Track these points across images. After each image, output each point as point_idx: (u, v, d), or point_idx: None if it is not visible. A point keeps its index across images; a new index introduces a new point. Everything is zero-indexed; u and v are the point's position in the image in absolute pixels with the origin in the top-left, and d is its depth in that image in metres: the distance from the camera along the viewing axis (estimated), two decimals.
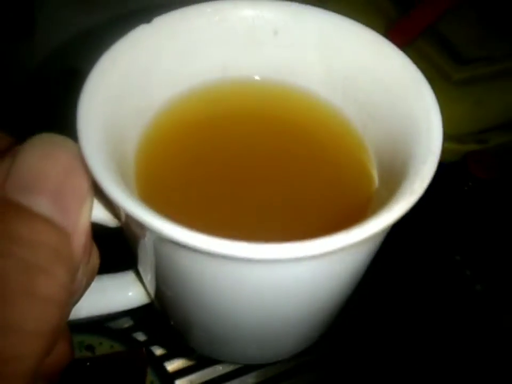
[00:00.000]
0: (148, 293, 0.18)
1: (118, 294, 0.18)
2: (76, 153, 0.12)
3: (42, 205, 0.11)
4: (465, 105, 0.37)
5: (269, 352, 0.19)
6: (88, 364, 0.26)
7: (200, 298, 0.14)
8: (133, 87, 0.15)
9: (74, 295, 0.14)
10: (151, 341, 0.29)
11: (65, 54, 0.38)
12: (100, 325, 0.28)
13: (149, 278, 0.17)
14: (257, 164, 0.16)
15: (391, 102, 0.15)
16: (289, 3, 0.17)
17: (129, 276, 0.19)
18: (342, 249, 0.10)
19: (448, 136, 0.35)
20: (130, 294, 0.19)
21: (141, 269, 0.17)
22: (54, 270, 0.11)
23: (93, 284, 0.15)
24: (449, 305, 0.33)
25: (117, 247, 0.16)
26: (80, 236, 0.12)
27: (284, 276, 0.12)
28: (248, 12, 0.17)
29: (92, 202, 0.13)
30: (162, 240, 0.12)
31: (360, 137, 0.16)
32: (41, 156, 0.12)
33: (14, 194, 0.11)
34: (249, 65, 0.17)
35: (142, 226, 0.12)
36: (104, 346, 0.27)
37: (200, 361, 0.30)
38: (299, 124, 0.17)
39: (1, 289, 0.10)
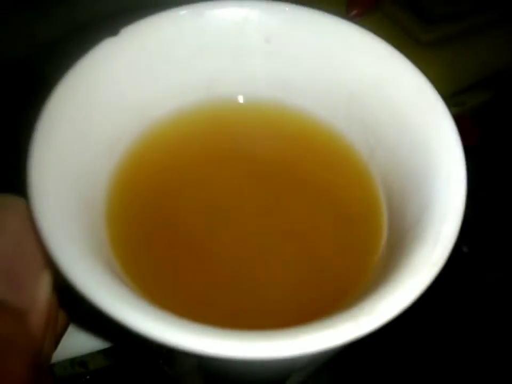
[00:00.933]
0: None
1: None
2: (27, 215, 0.10)
3: None
4: (438, 67, 0.36)
5: None
6: (83, 380, 0.25)
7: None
8: (98, 118, 0.12)
9: (44, 363, 0.12)
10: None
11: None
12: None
13: None
14: (244, 210, 0.13)
15: (404, 129, 0.13)
16: (283, 5, 0.14)
17: None
18: (350, 341, 0.09)
19: None
20: None
21: None
22: (8, 365, 0.09)
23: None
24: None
25: None
26: (40, 311, 0.10)
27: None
28: (235, 16, 0.14)
29: (52, 271, 0.11)
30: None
31: (367, 168, 0.14)
32: None
33: None
34: (236, 81, 0.15)
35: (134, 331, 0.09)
36: (98, 360, 0.26)
37: None
38: (295, 155, 0.15)
39: None
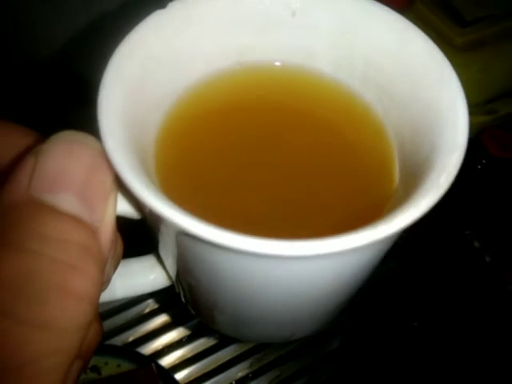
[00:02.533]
0: (169, 276, 0.19)
1: (142, 277, 0.19)
2: (98, 149, 0.12)
3: (68, 202, 0.11)
4: (471, 72, 0.35)
5: (286, 332, 0.19)
6: None
7: (220, 286, 0.14)
8: (150, 77, 0.14)
9: (103, 286, 0.14)
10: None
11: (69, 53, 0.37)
12: (102, 344, 0.26)
13: (169, 263, 0.17)
14: (276, 153, 0.16)
15: (414, 88, 0.15)
16: None
17: (151, 260, 0.19)
18: (369, 245, 0.11)
19: None
20: (152, 277, 0.19)
21: (162, 254, 0.17)
22: (85, 267, 0.11)
23: (120, 268, 0.16)
24: (461, 275, 0.34)
25: (136, 231, 0.16)
26: (107, 230, 0.12)
27: (305, 271, 0.12)
28: None
29: (116, 196, 0.13)
30: (184, 234, 0.12)
31: (382, 124, 0.16)
32: (64, 154, 0.12)
33: (41, 194, 0.11)
34: (266, 49, 0.17)
35: (164, 221, 0.12)
36: (111, 366, 0.26)
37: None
38: (318, 112, 0.17)
39: (37, 288, 0.10)
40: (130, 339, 0.29)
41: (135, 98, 0.14)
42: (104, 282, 0.14)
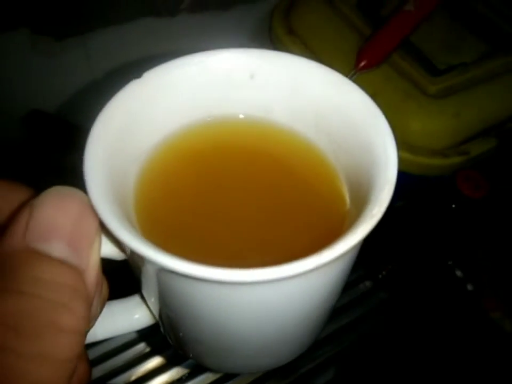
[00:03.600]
0: (153, 315, 0.20)
1: (126, 317, 0.20)
2: (84, 200, 0.14)
3: (59, 249, 0.13)
4: (445, 118, 0.37)
5: (268, 361, 0.21)
6: None
7: (198, 318, 0.16)
8: (129, 135, 0.17)
9: (91, 323, 0.15)
10: None
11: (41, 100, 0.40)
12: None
13: (152, 301, 0.19)
14: (243, 193, 0.18)
15: (355, 135, 0.17)
16: (262, 50, 0.19)
17: (135, 300, 0.21)
18: (317, 269, 0.13)
19: (432, 151, 0.36)
20: (136, 316, 0.21)
21: (145, 293, 0.19)
22: (74, 306, 0.13)
23: (106, 308, 0.17)
24: (443, 302, 0.35)
25: (121, 275, 0.18)
26: (92, 271, 0.14)
27: (270, 295, 0.14)
28: (226, 60, 0.19)
29: (100, 241, 0.15)
30: (164, 271, 0.14)
31: (333, 166, 0.18)
32: (54, 206, 0.14)
33: (35, 243, 0.13)
34: (231, 105, 0.19)
35: (146, 260, 0.14)
36: None
37: None
38: (278, 157, 0.19)
39: (33, 326, 0.12)
40: (133, 379, 0.30)
41: (116, 153, 0.16)
42: (91, 320, 0.15)
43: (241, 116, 0.20)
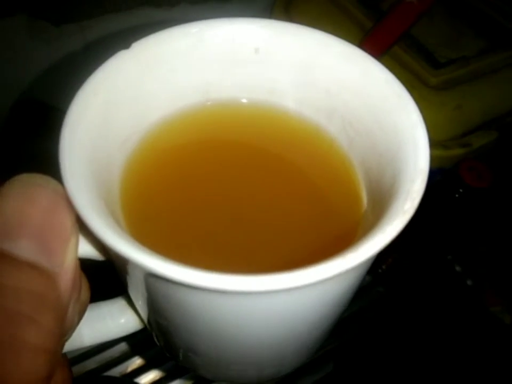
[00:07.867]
0: (141, 319, 0.18)
1: (111, 321, 0.18)
2: (56, 191, 0.12)
3: (25, 249, 0.11)
4: (446, 110, 0.37)
5: (265, 371, 0.19)
6: None
7: (194, 328, 0.14)
8: (113, 116, 0.14)
9: (66, 334, 0.13)
10: None
11: (35, 87, 0.38)
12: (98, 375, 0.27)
13: (139, 305, 0.16)
14: (245, 186, 0.16)
15: (376, 117, 0.15)
16: (269, 20, 0.17)
17: (120, 302, 0.18)
18: (339, 275, 0.10)
19: (433, 143, 0.36)
20: (122, 320, 0.19)
21: (132, 296, 0.17)
22: (40, 318, 0.11)
23: (88, 313, 0.15)
24: (443, 297, 0.35)
25: (105, 274, 0.16)
26: (67, 274, 0.12)
27: (279, 305, 0.12)
28: (227, 30, 0.16)
29: (78, 239, 0.12)
30: (154, 276, 0.11)
31: (347, 155, 0.16)
32: (21, 198, 0.11)
33: None
34: (231, 86, 0.17)
35: (132, 264, 0.11)
36: None
37: None
38: (285, 146, 0.17)
39: None
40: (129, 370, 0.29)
41: (98, 137, 0.14)
42: (67, 330, 0.13)
43: (243, 101, 0.18)
